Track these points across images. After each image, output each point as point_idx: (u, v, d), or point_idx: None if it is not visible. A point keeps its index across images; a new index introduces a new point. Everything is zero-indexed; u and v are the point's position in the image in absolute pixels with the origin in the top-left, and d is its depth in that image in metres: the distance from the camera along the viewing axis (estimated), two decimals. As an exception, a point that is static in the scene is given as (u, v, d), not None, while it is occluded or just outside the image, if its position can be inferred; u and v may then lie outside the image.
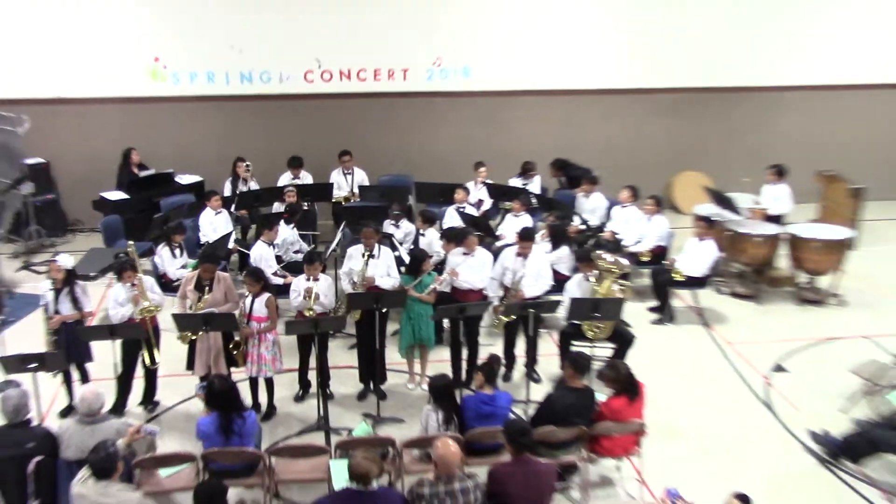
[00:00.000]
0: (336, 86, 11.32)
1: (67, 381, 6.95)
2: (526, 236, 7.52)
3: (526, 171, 10.46)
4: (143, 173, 10.62)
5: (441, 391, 5.77)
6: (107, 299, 7.83)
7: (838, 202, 10.65)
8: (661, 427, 6.42)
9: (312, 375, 7.06)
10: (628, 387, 5.84)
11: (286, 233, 8.77)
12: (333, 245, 8.37)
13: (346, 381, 7.49)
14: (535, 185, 10.41)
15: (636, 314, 8.71)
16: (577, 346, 6.98)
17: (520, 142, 11.60)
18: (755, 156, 11.57)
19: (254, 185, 10.33)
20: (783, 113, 12.32)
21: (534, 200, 9.67)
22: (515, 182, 10.42)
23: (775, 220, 9.89)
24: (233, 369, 6.79)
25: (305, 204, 9.66)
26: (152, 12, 10.76)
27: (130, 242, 7.28)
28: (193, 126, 11.20)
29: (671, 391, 7.24)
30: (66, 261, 6.85)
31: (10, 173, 10.22)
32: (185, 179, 10.77)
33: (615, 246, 8.85)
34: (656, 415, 6.27)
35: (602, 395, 6.02)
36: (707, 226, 8.84)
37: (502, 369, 7.05)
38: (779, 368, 7.83)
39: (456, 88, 11.55)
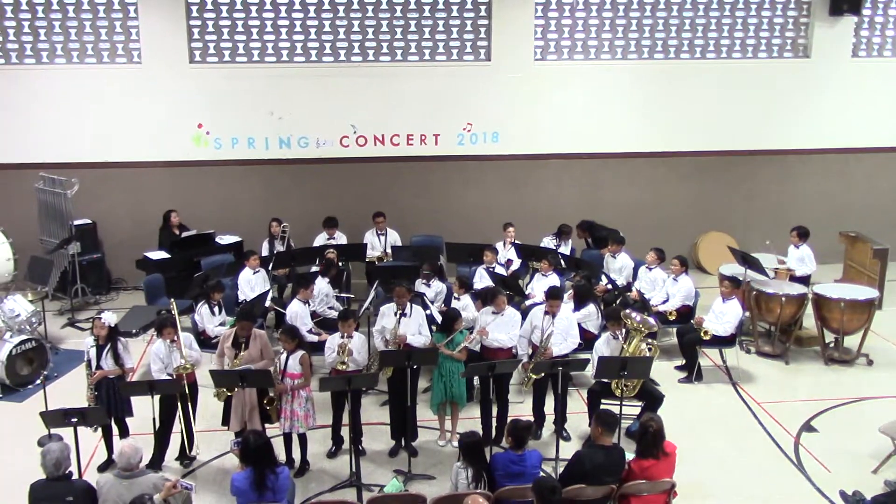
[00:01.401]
0: (370, 150, 11.68)
1: (107, 436, 7.11)
2: (553, 295, 7.64)
3: (562, 232, 10.63)
4: (185, 234, 10.97)
5: (471, 448, 5.82)
6: (147, 355, 8.09)
7: (862, 262, 10.67)
8: (692, 486, 6.37)
9: (345, 431, 7.14)
10: (652, 444, 5.74)
11: (321, 285, 9.00)
12: (366, 303, 8.54)
13: (377, 437, 7.57)
14: (566, 247, 10.59)
15: (664, 373, 8.75)
16: (606, 404, 7.01)
17: (547, 203, 11.82)
18: (778, 217, 11.69)
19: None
20: (805, 175, 12.40)
21: (562, 261, 9.86)
22: (549, 242, 10.58)
23: (801, 280, 9.93)
24: (267, 425, 6.92)
25: (340, 263, 9.94)
26: (197, 82, 11.25)
27: (172, 300, 7.51)
28: (233, 188, 11.57)
29: (701, 450, 7.22)
30: (110, 318, 7.06)
31: (60, 234, 10.62)
32: (224, 239, 11.07)
33: (642, 305, 8.95)
34: (686, 474, 6.24)
35: (630, 453, 6.01)
36: (732, 285, 8.91)
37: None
38: (809, 428, 7.80)
39: (485, 153, 11.85)
